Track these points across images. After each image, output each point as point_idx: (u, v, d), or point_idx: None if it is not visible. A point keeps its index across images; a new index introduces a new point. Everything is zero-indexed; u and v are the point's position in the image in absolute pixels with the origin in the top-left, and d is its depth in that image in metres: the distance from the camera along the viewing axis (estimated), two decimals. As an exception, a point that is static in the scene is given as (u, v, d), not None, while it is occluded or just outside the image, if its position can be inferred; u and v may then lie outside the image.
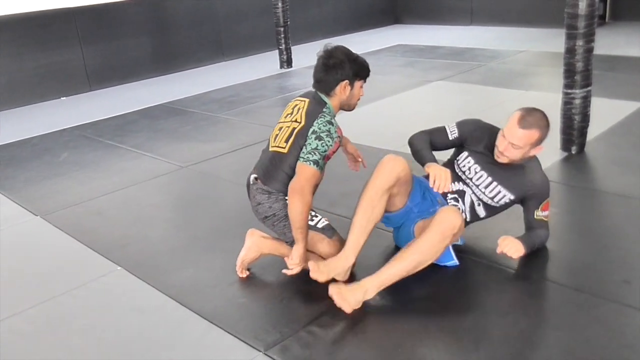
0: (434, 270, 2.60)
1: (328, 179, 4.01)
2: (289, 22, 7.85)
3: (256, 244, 2.84)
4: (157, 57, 8.26)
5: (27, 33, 7.05)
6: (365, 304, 2.45)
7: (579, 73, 3.89)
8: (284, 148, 2.71)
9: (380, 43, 9.36)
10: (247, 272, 2.82)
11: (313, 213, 2.78)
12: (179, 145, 5.04)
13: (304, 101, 2.78)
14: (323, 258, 2.72)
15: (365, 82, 2.83)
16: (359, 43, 9.59)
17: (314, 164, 2.57)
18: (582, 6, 3.72)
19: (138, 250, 3.21)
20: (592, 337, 2.20)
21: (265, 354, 2.26)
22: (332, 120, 2.67)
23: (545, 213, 2.72)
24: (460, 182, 2.79)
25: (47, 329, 2.57)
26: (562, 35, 3.96)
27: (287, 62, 8.03)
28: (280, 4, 7.69)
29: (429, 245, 2.47)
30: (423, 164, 2.76)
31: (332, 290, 2.45)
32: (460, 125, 2.91)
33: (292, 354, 2.24)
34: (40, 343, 2.48)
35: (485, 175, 2.74)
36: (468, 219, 2.80)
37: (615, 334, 2.22)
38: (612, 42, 7.66)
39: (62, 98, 7.30)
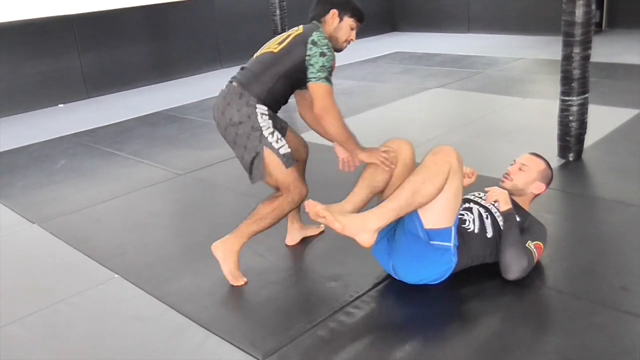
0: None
1: (326, 185, 4.02)
2: (286, 29, 7.84)
3: (224, 248, 2.79)
4: (155, 64, 8.27)
5: (26, 40, 7.06)
6: (364, 314, 2.44)
7: (576, 80, 3.90)
8: (275, 48, 2.71)
9: (378, 50, 9.39)
10: (244, 280, 2.80)
11: (279, 136, 2.71)
12: (176, 152, 5.04)
13: (300, 27, 2.79)
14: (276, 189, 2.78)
15: (356, 25, 2.84)
16: (356, 50, 9.59)
17: (326, 81, 2.61)
18: (579, 14, 3.74)
19: (136, 257, 3.20)
20: (590, 344, 2.20)
21: (263, 362, 2.25)
22: (328, 39, 2.70)
23: (534, 249, 2.61)
24: (469, 202, 2.76)
25: (44, 337, 2.56)
26: (559, 42, 3.97)
27: (284, 69, 8.02)
28: (278, 11, 7.70)
29: (422, 169, 2.45)
30: None
31: (323, 212, 2.42)
32: None
33: (291, 362, 2.24)
34: (38, 351, 2.47)
35: (482, 206, 2.75)
36: (476, 231, 2.64)
37: (613, 340, 2.22)
38: (608, 50, 7.69)
39: (60, 105, 7.30)
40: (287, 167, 2.70)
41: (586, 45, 3.83)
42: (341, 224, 2.41)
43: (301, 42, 2.64)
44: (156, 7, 8.26)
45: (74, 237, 3.49)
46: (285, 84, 2.71)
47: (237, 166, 4.54)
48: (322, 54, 2.60)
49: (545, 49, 8.20)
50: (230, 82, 2.81)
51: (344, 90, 6.74)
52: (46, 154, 5.25)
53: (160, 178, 4.41)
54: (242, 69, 2.86)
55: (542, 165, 2.84)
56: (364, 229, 2.41)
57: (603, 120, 4.68)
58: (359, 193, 2.69)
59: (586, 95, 3.97)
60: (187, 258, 3.15)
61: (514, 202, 2.73)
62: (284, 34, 2.81)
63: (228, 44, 9.03)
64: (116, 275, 3.01)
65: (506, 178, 2.79)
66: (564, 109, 4.01)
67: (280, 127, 2.86)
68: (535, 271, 2.65)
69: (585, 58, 3.86)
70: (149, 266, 3.10)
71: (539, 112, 5.21)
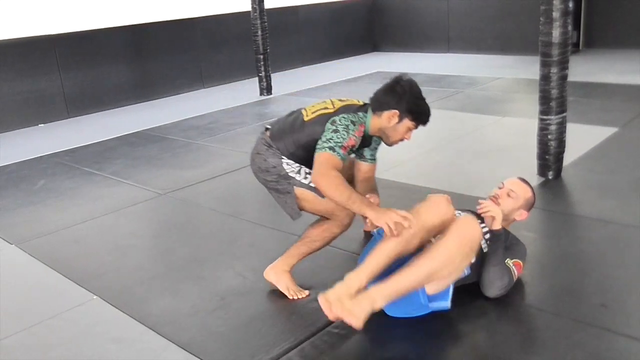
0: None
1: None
2: (268, 50, 7.90)
3: (275, 272, 2.82)
4: (136, 84, 8.25)
5: (6, 60, 7.01)
6: (345, 334, 2.42)
7: (554, 99, 3.95)
8: (308, 116, 2.73)
9: (359, 70, 9.45)
10: (305, 292, 2.78)
11: (307, 171, 2.73)
12: (157, 172, 5.01)
13: (359, 102, 2.81)
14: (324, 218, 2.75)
15: (416, 127, 2.77)
16: (338, 70, 9.68)
17: (329, 150, 2.53)
18: (556, 34, 3.80)
19: (115, 279, 3.16)
20: (571, 362, 2.20)
21: (245, 384, 2.23)
22: (356, 123, 2.64)
23: (514, 267, 2.63)
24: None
25: (20, 361, 2.51)
26: (536, 62, 4.02)
27: (266, 89, 8.06)
28: (259, 32, 7.75)
29: (444, 251, 2.33)
30: None
31: (333, 304, 2.24)
32: None
33: (272, 383, 2.22)
34: (14, 375, 2.42)
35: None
36: None
37: (594, 358, 2.22)
38: (586, 69, 7.81)
39: (39, 125, 7.24)
40: (322, 196, 2.66)
41: (564, 65, 3.89)
42: (357, 319, 2.23)
43: (324, 121, 2.65)
44: (137, 28, 8.26)
45: (53, 258, 3.45)
46: (305, 152, 2.72)
47: (217, 186, 4.56)
48: (335, 131, 2.58)
49: (524, 69, 8.31)
50: (266, 129, 2.88)
51: (326, 110, 6.75)
52: (25, 175, 5.19)
53: (141, 198, 4.38)
54: (288, 114, 2.92)
55: (529, 193, 2.84)
56: (365, 314, 2.26)
57: (582, 138, 4.73)
58: (376, 263, 2.41)
59: (564, 114, 4.02)
60: (167, 279, 3.12)
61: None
62: (330, 101, 2.81)
63: (209, 64, 9.05)
64: (95, 297, 2.97)
65: (494, 202, 2.75)
66: (543, 128, 4.05)
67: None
68: (516, 289, 2.66)
69: (563, 78, 3.92)
70: (128, 287, 3.06)
71: (519, 131, 5.27)
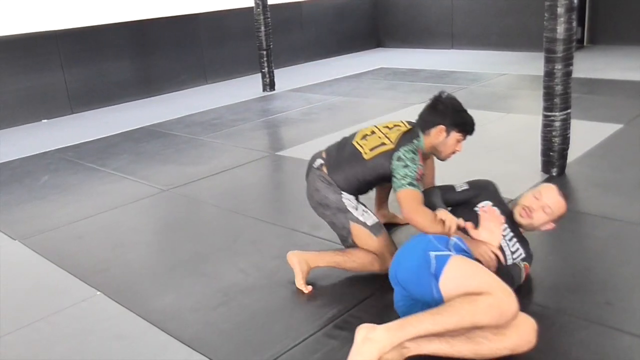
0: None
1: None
2: (271, 46, 7.89)
3: (301, 259, 2.86)
4: (139, 80, 8.25)
5: (9, 55, 7.01)
6: (347, 333, 2.41)
7: (558, 96, 3.93)
8: (367, 154, 2.83)
9: (362, 66, 9.43)
10: (308, 288, 2.82)
11: (364, 208, 2.88)
12: (161, 168, 5.01)
13: (405, 125, 2.90)
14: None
15: (464, 138, 2.88)
16: (341, 66, 9.66)
17: (409, 186, 2.65)
18: (560, 30, 3.78)
19: (118, 275, 3.16)
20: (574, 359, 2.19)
21: (247, 380, 2.23)
22: (416, 151, 2.75)
23: (523, 267, 2.63)
24: None
25: (25, 356, 2.51)
26: (541, 58, 4.01)
27: (269, 85, 8.05)
28: (263, 28, 7.73)
29: (469, 311, 2.05)
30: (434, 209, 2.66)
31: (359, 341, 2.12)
32: (471, 182, 2.89)
33: (275, 380, 2.22)
34: (17, 371, 2.43)
35: (508, 229, 2.66)
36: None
37: (599, 356, 2.22)
38: (590, 66, 7.78)
39: (43, 120, 7.25)
40: (375, 235, 2.83)
41: (568, 61, 3.87)
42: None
43: (388, 157, 2.76)
44: (141, 23, 8.26)
45: (56, 254, 3.45)
46: (371, 185, 2.95)
47: (221, 182, 4.55)
48: (405, 166, 2.69)
49: (528, 65, 8.28)
50: (321, 164, 2.95)
51: (329, 106, 6.76)
52: (28, 170, 5.20)
53: (144, 194, 4.38)
54: (342, 139, 3.04)
55: (563, 209, 2.68)
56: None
57: (586, 135, 4.72)
58: (424, 331, 2.13)
59: (568, 110, 4.00)
60: (170, 275, 3.12)
61: (518, 226, 2.71)
62: (392, 129, 2.89)
63: (213, 60, 9.04)
64: (98, 293, 2.97)
65: (527, 214, 2.65)
66: (547, 125, 4.04)
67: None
68: (521, 286, 2.65)
69: (567, 74, 3.90)
70: (131, 283, 3.06)
71: (523, 127, 5.25)
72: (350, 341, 2.14)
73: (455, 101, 2.88)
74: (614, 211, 3.44)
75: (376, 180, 2.89)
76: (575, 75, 3.99)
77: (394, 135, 2.83)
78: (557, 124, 3.99)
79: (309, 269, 2.88)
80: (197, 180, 4.59)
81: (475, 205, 2.73)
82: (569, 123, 4.04)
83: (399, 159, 2.71)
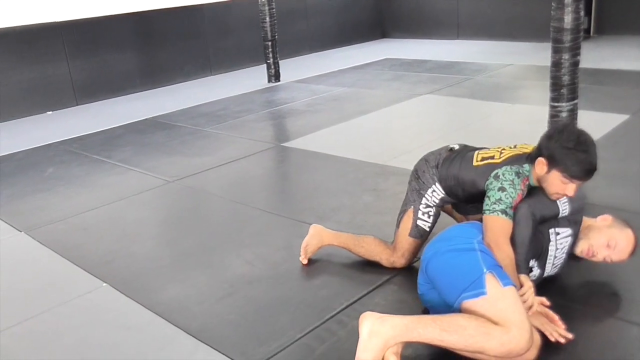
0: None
1: (318, 192, 4.01)
2: (276, 37, 7.86)
3: (318, 232, 2.99)
4: (144, 71, 8.24)
5: (14, 47, 7.01)
6: (355, 323, 2.41)
7: (566, 86, 3.91)
8: (477, 161, 2.62)
9: (367, 57, 9.40)
10: (305, 260, 2.97)
11: (431, 212, 2.79)
12: (166, 159, 5.01)
13: (527, 149, 2.60)
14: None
15: (571, 181, 2.35)
16: (346, 57, 9.63)
17: (502, 214, 2.36)
18: (568, 20, 3.75)
19: (124, 266, 3.16)
20: (583, 352, 2.18)
21: (254, 371, 2.23)
22: (520, 175, 2.44)
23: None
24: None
25: (31, 347, 2.52)
26: (548, 49, 3.98)
27: (274, 76, 8.03)
28: (268, 19, 7.71)
29: (479, 342, 2.01)
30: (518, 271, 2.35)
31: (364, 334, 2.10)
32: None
33: (281, 371, 2.22)
34: (24, 362, 2.43)
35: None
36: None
37: (606, 347, 2.22)
38: (597, 56, 7.73)
39: (48, 112, 7.25)
40: (410, 235, 2.80)
41: (575, 51, 3.84)
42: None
43: (489, 171, 2.51)
44: (145, 15, 8.24)
45: (62, 246, 3.45)
46: (462, 192, 2.67)
47: (226, 173, 4.55)
48: (501, 189, 2.41)
49: (535, 56, 8.23)
50: (451, 149, 2.82)
51: (334, 97, 6.73)
52: (33, 162, 5.20)
53: (150, 185, 4.38)
54: (468, 147, 2.82)
55: (627, 255, 2.51)
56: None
57: (592, 126, 4.62)
58: (430, 337, 2.08)
59: (575, 101, 3.98)
60: (176, 266, 3.12)
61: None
62: (500, 148, 2.66)
63: (218, 51, 9.02)
64: (104, 284, 2.98)
65: (588, 255, 2.52)
66: (554, 115, 4.01)
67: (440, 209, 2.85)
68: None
69: (575, 64, 3.87)
70: (137, 275, 3.06)
71: (529, 118, 5.22)
72: (357, 332, 2.13)
73: (574, 135, 2.41)
74: (620, 202, 3.43)
75: (468, 194, 2.63)
76: (582, 65, 3.96)
77: (508, 154, 2.57)
78: (564, 114, 3.97)
79: (322, 245, 2.99)
80: (203, 171, 4.59)
81: (553, 226, 2.48)
82: (576, 114, 4.02)
83: (497, 177, 2.45)
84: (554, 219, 2.46)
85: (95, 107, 7.48)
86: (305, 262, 2.98)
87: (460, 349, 2.08)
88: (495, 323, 2.04)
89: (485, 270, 2.16)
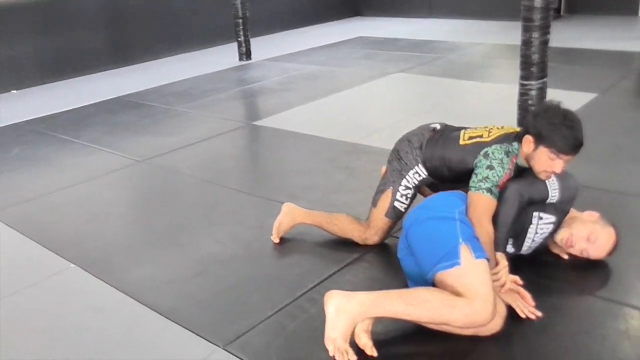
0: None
1: (290, 171, 4.00)
2: (247, 14, 7.77)
3: (291, 211, 2.98)
4: (113, 49, 8.08)
5: (-24, 25, 6.82)
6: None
7: (535, 65, 3.94)
8: (464, 140, 2.62)
9: (340, 35, 9.34)
10: (278, 239, 2.97)
11: (409, 194, 2.78)
12: (136, 139, 4.94)
13: (515, 130, 2.60)
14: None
15: (558, 157, 2.37)
16: (318, 36, 9.57)
17: (487, 192, 2.37)
18: (538, -1, 3.77)
19: (93, 247, 3.13)
20: (549, 325, 2.22)
21: (225, 349, 2.22)
22: (509, 154, 2.47)
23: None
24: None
25: (1, 329, 2.49)
26: (518, 27, 4.00)
27: (246, 54, 7.95)
28: (238, -4, 7.60)
29: (443, 314, 2.07)
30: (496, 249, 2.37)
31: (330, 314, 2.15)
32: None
33: (252, 348, 2.22)
34: (-9, 344, 2.40)
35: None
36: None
37: (573, 321, 2.26)
38: (567, 35, 7.79)
39: (12, 91, 7.08)
40: (386, 215, 2.79)
41: (545, 30, 3.86)
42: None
43: (478, 150, 2.52)
44: (113, -9, 8.07)
45: (29, 227, 3.40)
46: (449, 172, 2.66)
47: (197, 153, 4.51)
48: (490, 167, 2.42)
49: (505, 34, 8.27)
50: (433, 129, 2.78)
51: (306, 75, 6.69)
52: (-1, 142, 5.10)
53: (119, 165, 4.32)
54: (453, 128, 2.79)
55: (606, 252, 2.55)
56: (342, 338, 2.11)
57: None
58: (399, 312, 2.12)
59: (545, 79, 4.01)
60: (146, 246, 3.10)
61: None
62: (488, 128, 2.64)
63: (188, 28, 8.88)
64: (72, 265, 2.94)
65: (567, 245, 2.56)
66: (523, 93, 4.05)
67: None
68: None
69: (544, 43, 3.90)
70: (107, 255, 3.03)
71: (499, 96, 5.26)
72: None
73: (558, 111, 2.44)
74: (588, 179, 3.46)
75: (455, 174, 2.63)
76: (551, 44, 3.99)
77: (497, 133, 2.58)
78: (534, 92, 4.00)
79: (294, 224, 2.97)
80: (173, 150, 4.54)
81: (539, 210, 2.49)
82: (545, 92, 4.05)
83: (486, 155, 2.46)
84: (541, 203, 2.48)
85: (62, 85, 7.32)
86: (277, 240, 2.97)
87: (426, 322, 2.13)
88: (461, 293, 2.08)
89: (461, 240, 2.19)
